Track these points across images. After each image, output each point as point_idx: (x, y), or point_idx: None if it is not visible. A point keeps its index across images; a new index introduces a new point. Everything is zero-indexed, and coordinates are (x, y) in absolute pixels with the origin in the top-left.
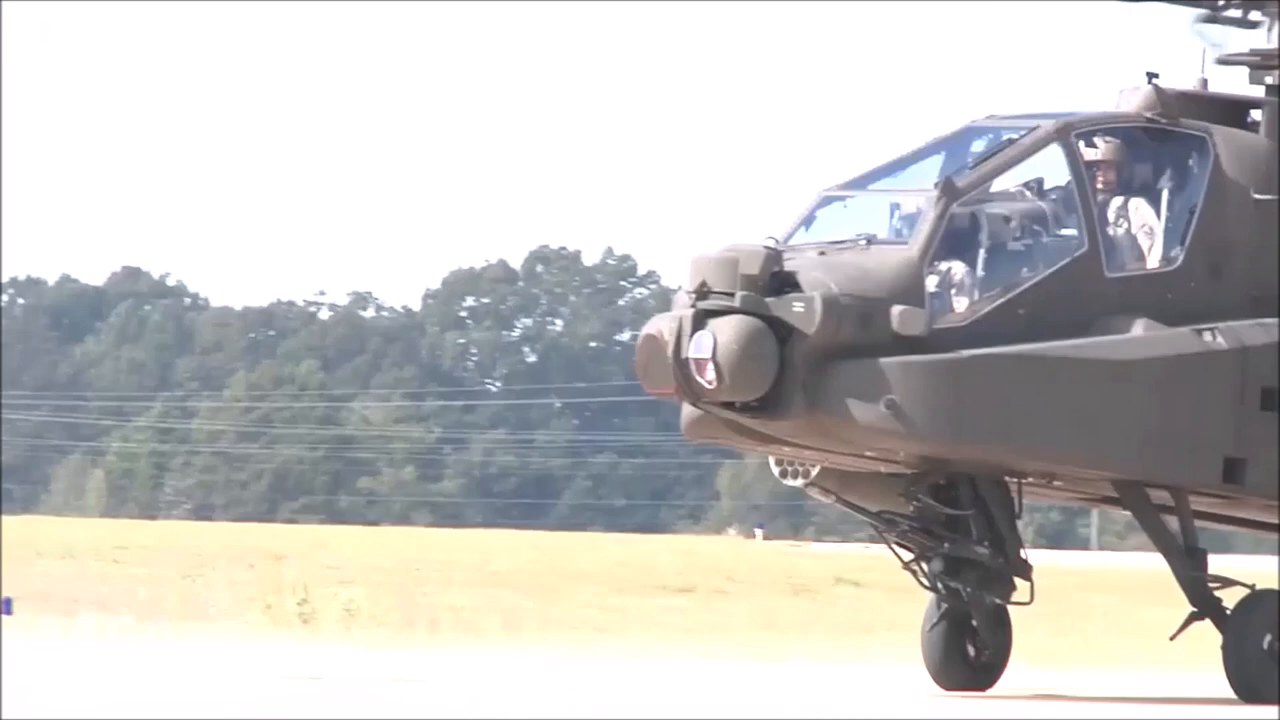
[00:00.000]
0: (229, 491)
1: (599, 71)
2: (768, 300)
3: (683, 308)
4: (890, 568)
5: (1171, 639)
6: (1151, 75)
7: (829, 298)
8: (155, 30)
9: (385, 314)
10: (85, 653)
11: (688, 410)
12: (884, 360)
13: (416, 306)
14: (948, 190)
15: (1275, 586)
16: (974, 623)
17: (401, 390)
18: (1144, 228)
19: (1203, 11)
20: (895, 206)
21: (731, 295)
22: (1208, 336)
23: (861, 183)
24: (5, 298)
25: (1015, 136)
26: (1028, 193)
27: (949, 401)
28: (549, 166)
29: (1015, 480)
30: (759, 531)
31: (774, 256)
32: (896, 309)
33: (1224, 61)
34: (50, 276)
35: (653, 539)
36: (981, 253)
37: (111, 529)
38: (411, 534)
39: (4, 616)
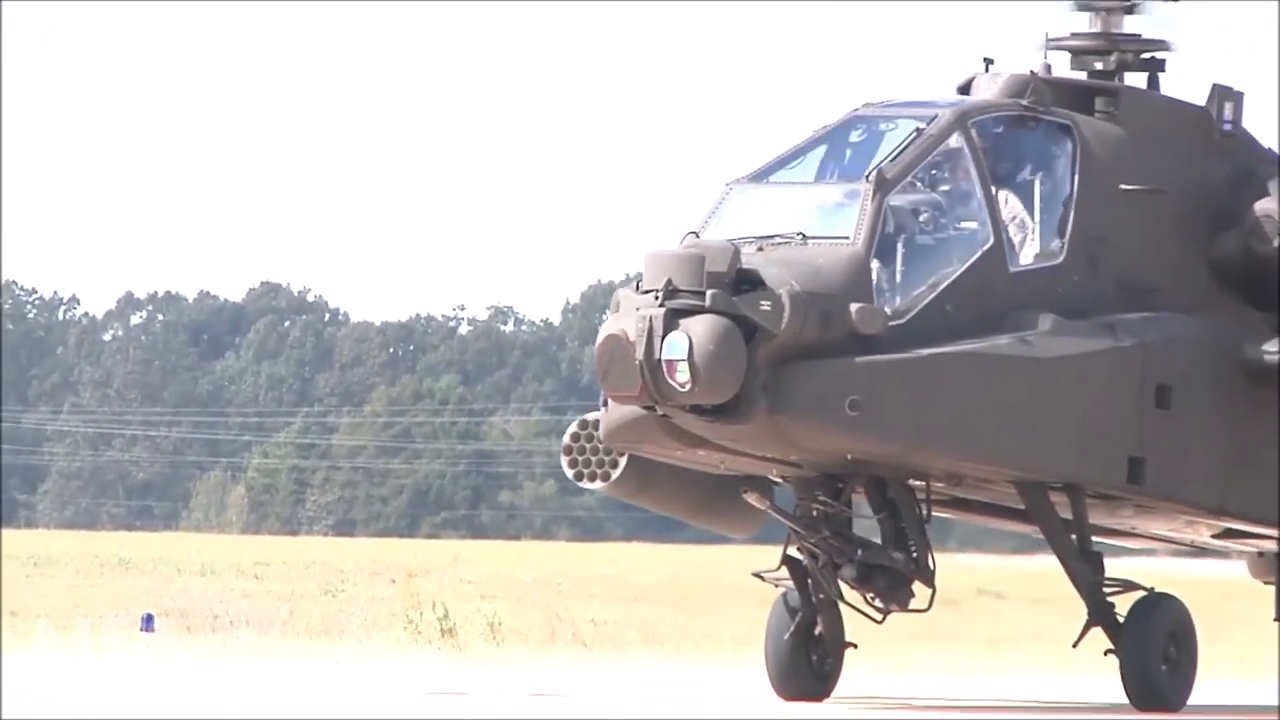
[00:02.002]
0: (369, 507)
1: (741, 86)
2: (734, 299)
3: (646, 306)
4: (1031, 580)
5: (1075, 646)
6: (988, 61)
7: (796, 295)
8: (299, 45)
9: (525, 328)
10: (228, 669)
11: (616, 414)
12: (854, 360)
13: (556, 320)
14: (881, 183)
15: (1169, 590)
16: (818, 631)
17: (541, 404)
18: (1029, 220)
19: None
20: (805, 199)
21: (700, 294)
22: (1113, 332)
23: (763, 175)
24: (142, 315)
25: (920, 125)
26: (937, 185)
27: (913, 403)
28: (688, 179)
29: (924, 484)
30: None
31: (739, 253)
32: (855, 307)
33: (1053, 46)
34: (189, 293)
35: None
36: (913, 248)
37: (252, 545)
38: (552, 548)
39: (146, 633)
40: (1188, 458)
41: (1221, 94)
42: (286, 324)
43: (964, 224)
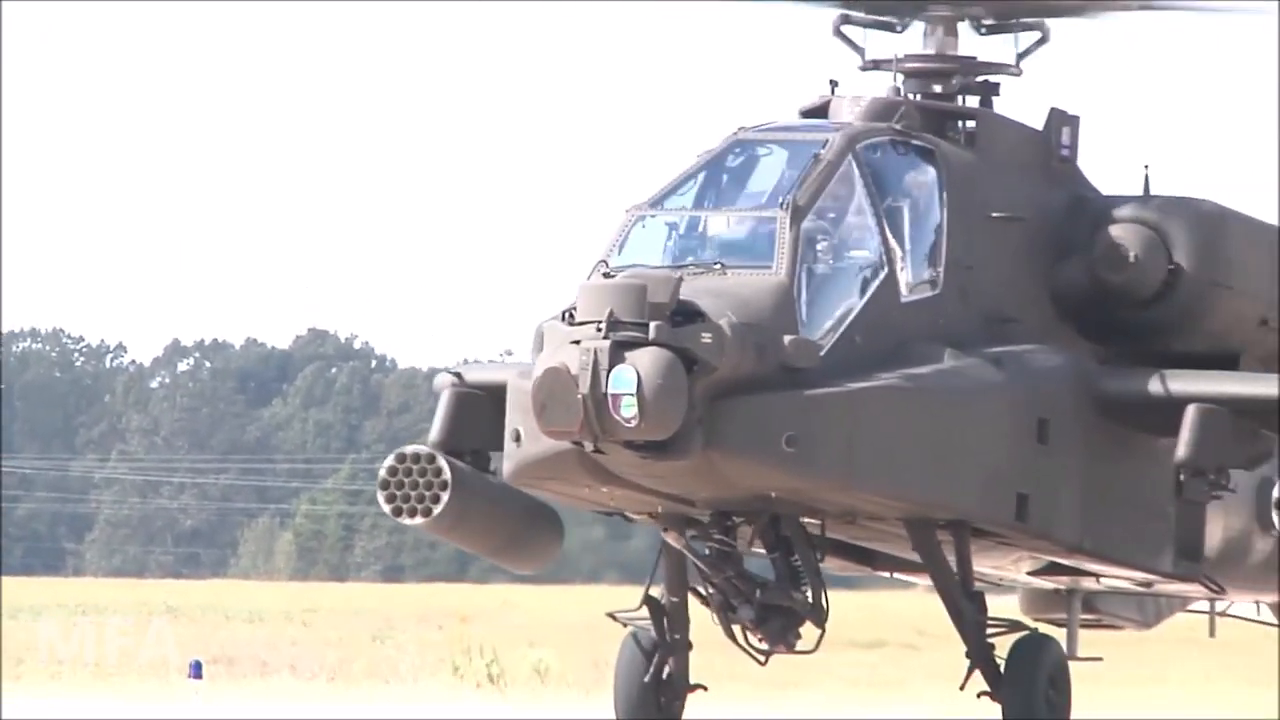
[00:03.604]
0: (418, 552)
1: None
2: (675, 330)
3: (588, 338)
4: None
5: (962, 689)
6: (833, 84)
7: (736, 327)
8: (347, 93)
9: None
10: (276, 715)
11: (531, 450)
12: (792, 394)
13: None
14: (796, 211)
15: (1045, 630)
16: (666, 673)
17: None
18: (908, 250)
19: (840, 13)
20: (711, 226)
21: (642, 325)
22: (1001, 365)
23: (660, 201)
24: (189, 362)
25: (816, 151)
26: (835, 213)
27: (847, 439)
28: None
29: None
30: None
31: (680, 283)
32: (789, 339)
33: (869, 67)
34: (236, 340)
35: (840, 594)
36: (823, 278)
37: (300, 592)
38: (601, 592)
39: (194, 680)
40: (1059, 494)
41: (1059, 118)
42: (333, 370)
43: (861, 253)
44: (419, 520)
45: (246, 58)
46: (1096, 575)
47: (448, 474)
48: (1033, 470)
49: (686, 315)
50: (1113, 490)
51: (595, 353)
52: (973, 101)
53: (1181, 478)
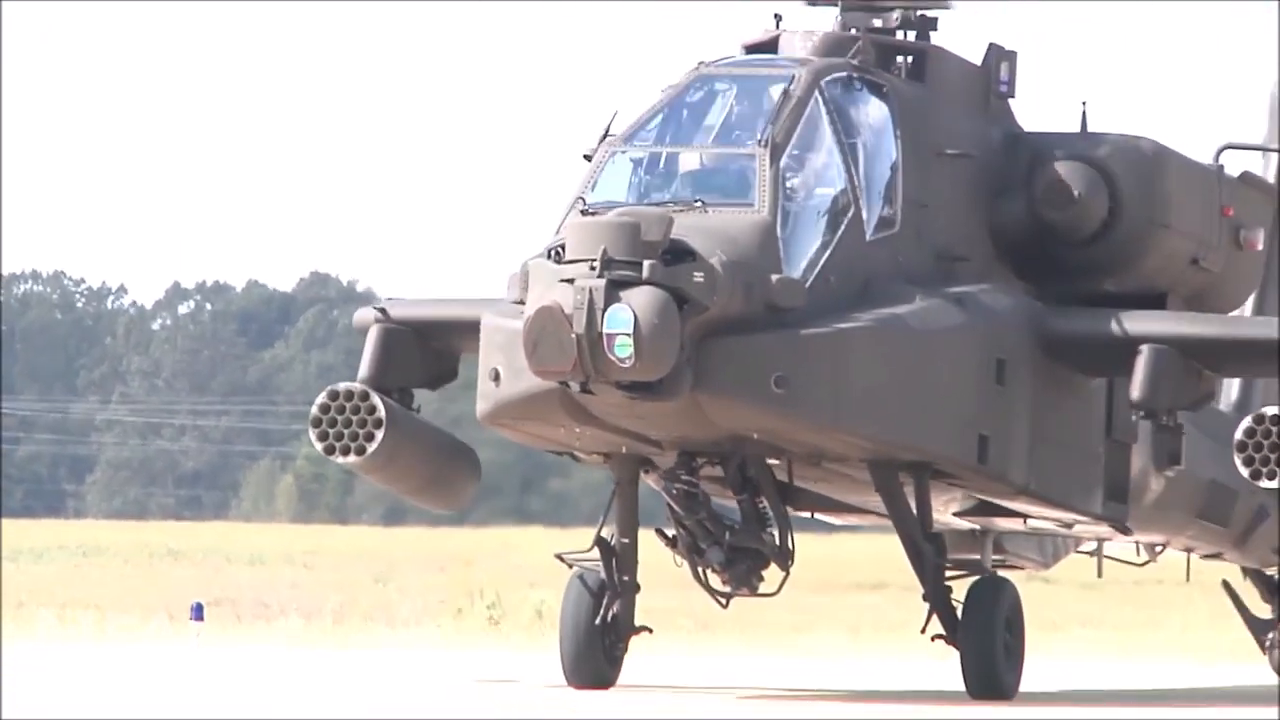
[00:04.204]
0: None
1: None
2: (668, 269)
3: (583, 277)
4: (1078, 564)
5: (923, 631)
6: (778, 18)
7: (727, 266)
8: (347, 38)
9: None
10: (278, 658)
11: (510, 389)
12: (780, 333)
13: None
14: (774, 149)
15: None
16: (612, 615)
17: None
18: (869, 187)
19: None
20: (686, 163)
21: (635, 264)
22: (963, 305)
23: (632, 137)
24: (190, 304)
25: (785, 86)
26: (805, 150)
27: (832, 379)
28: None
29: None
30: None
31: (673, 221)
32: (776, 278)
33: (816, 2)
34: (238, 282)
35: (843, 538)
36: (799, 217)
37: (302, 534)
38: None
39: (196, 623)
40: (1013, 436)
41: (997, 54)
42: (335, 313)
43: (830, 191)
44: (352, 459)
45: (242, 8)
46: (1025, 517)
47: (382, 412)
48: (992, 412)
49: (676, 254)
50: (1053, 431)
51: (590, 291)
52: (910, 36)
53: (1134, 417)
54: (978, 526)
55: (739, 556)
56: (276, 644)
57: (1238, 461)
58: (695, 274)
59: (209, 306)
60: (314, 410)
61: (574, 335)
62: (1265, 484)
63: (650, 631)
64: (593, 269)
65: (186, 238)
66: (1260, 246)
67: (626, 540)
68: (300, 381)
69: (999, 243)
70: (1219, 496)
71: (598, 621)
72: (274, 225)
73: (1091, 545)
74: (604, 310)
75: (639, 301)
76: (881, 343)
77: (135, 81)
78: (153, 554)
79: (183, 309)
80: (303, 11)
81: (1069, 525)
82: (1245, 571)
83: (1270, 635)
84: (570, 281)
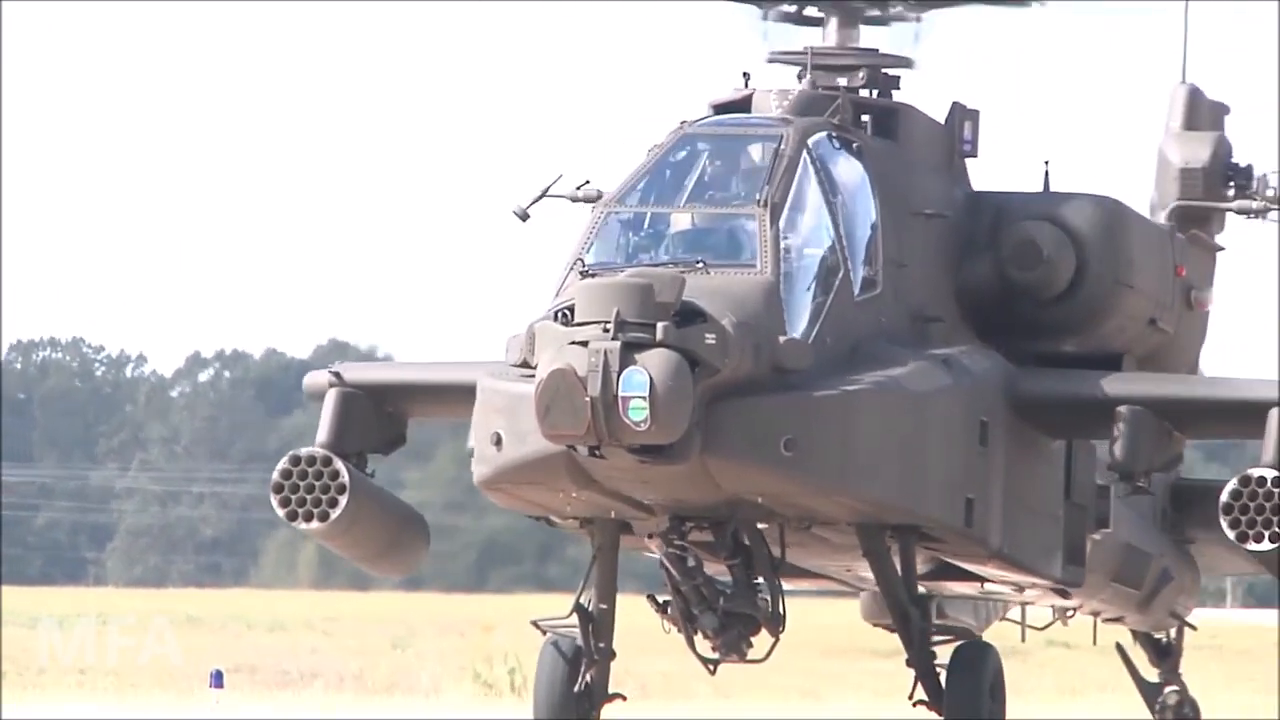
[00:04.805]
0: (438, 562)
1: None
2: (680, 332)
3: (596, 339)
4: (1092, 629)
5: (910, 697)
6: (746, 76)
7: (738, 328)
8: (366, 102)
9: None
10: None
11: (514, 453)
12: (789, 396)
13: None
14: (774, 209)
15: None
16: (588, 681)
17: None
18: (854, 247)
19: (761, 10)
20: (682, 223)
21: (649, 326)
22: (949, 367)
23: (625, 197)
24: (209, 372)
25: (776, 146)
26: (795, 210)
27: (839, 442)
28: None
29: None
30: None
31: (685, 283)
32: (783, 340)
33: (776, 60)
34: (256, 350)
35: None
36: (796, 277)
37: (321, 601)
38: (620, 601)
39: (215, 690)
40: (992, 498)
41: (961, 113)
42: None
43: (818, 250)
44: (315, 525)
45: (265, 66)
46: (983, 580)
47: (345, 477)
48: (977, 474)
49: (687, 315)
50: (1022, 494)
51: (605, 354)
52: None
53: (1110, 483)
54: (924, 590)
55: (732, 621)
56: (297, 710)
57: (1224, 524)
58: (708, 336)
59: (227, 374)
60: (275, 476)
61: (588, 398)
62: (1253, 546)
63: (624, 699)
64: (606, 331)
65: (205, 305)
66: (1209, 307)
67: (605, 606)
68: None
69: (963, 302)
70: (1133, 559)
71: (576, 688)
72: (291, 293)
73: (1015, 611)
74: (619, 373)
75: (654, 364)
76: (884, 405)
77: (154, 149)
78: (173, 620)
79: (202, 377)
80: (324, 74)
81: (1021, 589)
82: (1135, 635)
83: (1159, 699)
84: (583, 344)
